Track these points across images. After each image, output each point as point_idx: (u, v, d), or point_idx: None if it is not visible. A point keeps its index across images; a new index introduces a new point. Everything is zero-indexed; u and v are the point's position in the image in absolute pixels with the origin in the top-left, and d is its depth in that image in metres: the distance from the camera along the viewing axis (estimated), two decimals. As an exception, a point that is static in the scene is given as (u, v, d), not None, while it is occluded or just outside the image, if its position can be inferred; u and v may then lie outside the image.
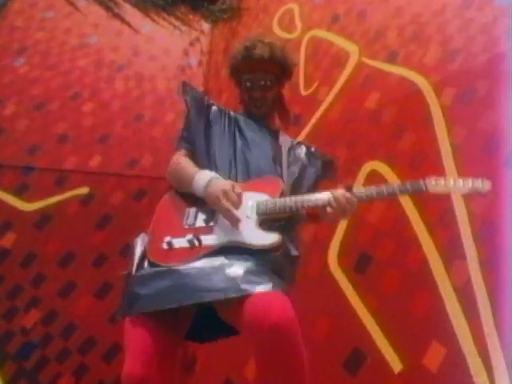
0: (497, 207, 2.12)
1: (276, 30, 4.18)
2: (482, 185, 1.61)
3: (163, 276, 1.50)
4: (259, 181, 1.70)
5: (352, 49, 3.31)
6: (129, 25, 4.60)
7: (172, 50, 4.59)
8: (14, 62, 4.02)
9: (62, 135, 3.75)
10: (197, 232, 1.58)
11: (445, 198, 2.31)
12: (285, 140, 1.88)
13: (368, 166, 2.77)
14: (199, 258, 1.52)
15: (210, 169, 1.69)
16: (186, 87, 1.85)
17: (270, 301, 1.38)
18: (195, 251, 1.54)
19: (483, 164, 2.25)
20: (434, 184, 1.61)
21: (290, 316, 1.37)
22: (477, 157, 2.29)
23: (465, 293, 2.10)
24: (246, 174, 1.72)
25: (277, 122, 1.95)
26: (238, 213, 1.55)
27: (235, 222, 1.55)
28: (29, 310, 3.22)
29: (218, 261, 1.50)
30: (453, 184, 1.62)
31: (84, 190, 3.58)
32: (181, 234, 1.59)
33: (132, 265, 1.61)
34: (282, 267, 1.57)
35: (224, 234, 1.56)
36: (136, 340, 1.47)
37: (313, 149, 1.94)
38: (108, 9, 4.64)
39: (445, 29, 2.81)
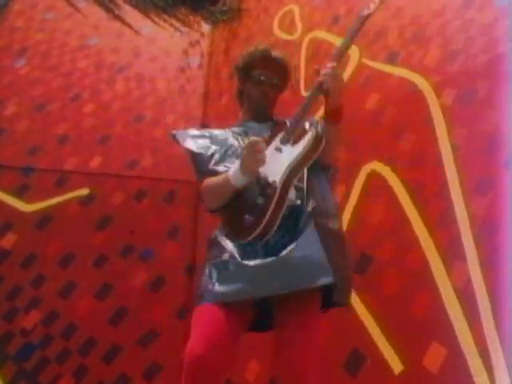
0: (497, 208, 2.12)
1: (276, 31, 4.18)
2: None
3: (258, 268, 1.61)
4: None
5: (352, 50, 3.31)
6: (129, 26, 4.61)
7: (172, 51, 4.60)
8: (15, 62, 4.02)
9: (63, 136, 3.76)
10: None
11: (445, 199, 2.32)
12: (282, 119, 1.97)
13: (368, 167, 2.77)
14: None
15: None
16: (177, 135, 1.93)
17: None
18: (268, 201, 1.63)
19: (483, 164, 2.25)
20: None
21: None
22: (477, 157, 2.29)
23: (465, 293, 2.10)
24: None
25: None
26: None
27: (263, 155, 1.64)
28: (29, 311, 3.22)
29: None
30: None
31: (84, 191, 3.58)
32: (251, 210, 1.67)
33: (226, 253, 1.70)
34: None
35: (275, 170, 1.66)
36: (208, 322, 1.58)
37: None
38: (108, 10, 4.65)
39: (445, 30, 2.81)
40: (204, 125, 4.03)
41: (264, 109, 1.92)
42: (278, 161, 1.67)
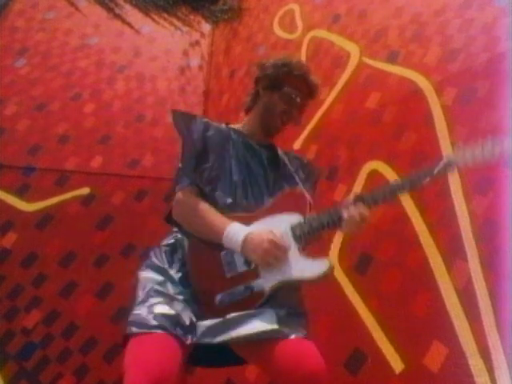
0: (497, 207, 2.12)
1: (277, 30, 4.18)
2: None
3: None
4: (283, 198, 1.69)
5: (353, 49, 3.31)
6: (130, 25, 4.61)
7: (173, 50, 4.60)
8: (15, 62, 4.02)
9: (63, 135, 3.76)
10: (244, 279, 1.56)
11: (446, 198, 2.32)
12: (282, 153, 1.89)
13: (369, 166, 2.77)
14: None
15: (232, 197, 1.66)
16: (178, 115, 1.77)
17: (305, 349, 1.49)
18: (251, 301, 1.55)
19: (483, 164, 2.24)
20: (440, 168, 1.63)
21: (324, 367, 1.46)
22: (477, 156, 2.29)
23: (466, 292, 2.10)
24: (261, 195, 1.71)
25: None
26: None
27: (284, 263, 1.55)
28: (30, 310, 3.22)
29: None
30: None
31: (85, 191, 3.58)
32: (229, 286, 1.56)
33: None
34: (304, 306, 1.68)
35: (272, 274, 1.55)
36: (152, 352, 1.45)
37: (305, 161, 1.97)
38: (109, 9, 4.65)
39: (445, 29, 2.81)
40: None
41: (275, 127, 1.82)
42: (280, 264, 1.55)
